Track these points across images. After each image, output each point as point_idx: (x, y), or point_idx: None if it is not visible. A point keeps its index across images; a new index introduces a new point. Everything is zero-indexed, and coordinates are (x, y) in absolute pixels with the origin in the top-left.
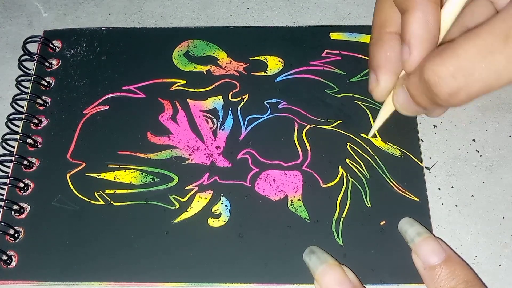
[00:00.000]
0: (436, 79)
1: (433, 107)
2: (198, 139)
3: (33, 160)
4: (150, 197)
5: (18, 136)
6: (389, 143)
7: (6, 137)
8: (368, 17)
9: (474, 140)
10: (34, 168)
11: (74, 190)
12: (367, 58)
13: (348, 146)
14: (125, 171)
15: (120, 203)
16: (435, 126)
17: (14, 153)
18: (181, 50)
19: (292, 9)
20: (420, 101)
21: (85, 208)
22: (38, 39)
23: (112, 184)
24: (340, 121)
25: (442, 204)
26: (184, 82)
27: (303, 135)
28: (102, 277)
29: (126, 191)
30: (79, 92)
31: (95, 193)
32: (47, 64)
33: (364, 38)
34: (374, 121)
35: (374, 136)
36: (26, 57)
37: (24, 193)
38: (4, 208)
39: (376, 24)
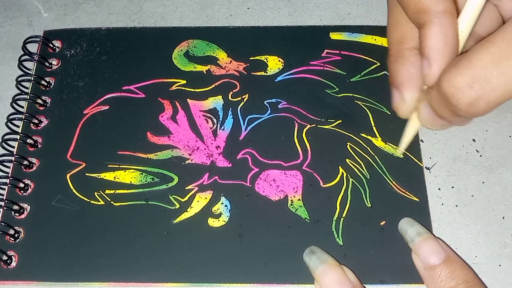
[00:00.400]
0: (453, 90)
1: (456, 119)
2: (198, 139)
3: (33, 160)
4: (150, 197)
5: (18, 136)
6: (389, 143)
7: (6, 137)
8: (368, 17)
9: (474, 140)
10: (34, 168)
11: (74, 190)
12: (366, 58)
13: (348, 146)
14: (125, 171)
15: (120, 203)
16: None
17: (14, 153)
18: (181, 50)
19: (292, 9)
20: (442, 114)
21: (85, 208)
22: (38, 39)
23: (112, 184)
24: (340, 121)
25: (442, 204)
26: (184, 82)
27: (303, 135)
28: (102, 277)
29: (126, 191)
30: (79, 92)
31: (95, 193)
32: (47, 64)
33: (364, 38)
34: (375, 124)
35: (374, 135)
36: (26, 57)
37: (24, 193)
38: (4, 208)
39: (393, 40)
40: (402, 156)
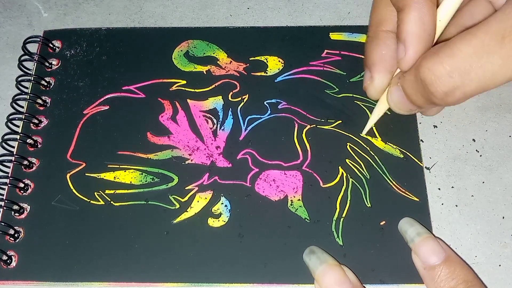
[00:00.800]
0: (433, 77)
1: (428, 106)
2: (198, 139)
3: (33, 160)
4: (150, 197)
5: (18, 136)
6: (389, 143)
7: (6, 137)
8: (368, 17)
9: (474, 140)
10: (34, 168)
11: (74, 190)
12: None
13: (348, 146)
14: (125, 171)
15: (120, 203)
16: (435, 126)
17: (14, 153)
18: (181, 50)
19: (292, 9)
20: (415, 99)
21: (85, 208)
22: (38, 39)
23: (112, 184)
24: (340, 121)
25: (442, 204)
26: (184, 82)
27: (303, 135)
28: (102, 277)
29: (126, 191)
30: (79, 92)
31: (95, 193)
32: (47, 64)
33: (364, 38)
34: (375, 124)
35: (374, 136)
36: (26, 57)
37: (24, 193)
38: (4, 208)
39: (373, 22)
40: (365, 136)
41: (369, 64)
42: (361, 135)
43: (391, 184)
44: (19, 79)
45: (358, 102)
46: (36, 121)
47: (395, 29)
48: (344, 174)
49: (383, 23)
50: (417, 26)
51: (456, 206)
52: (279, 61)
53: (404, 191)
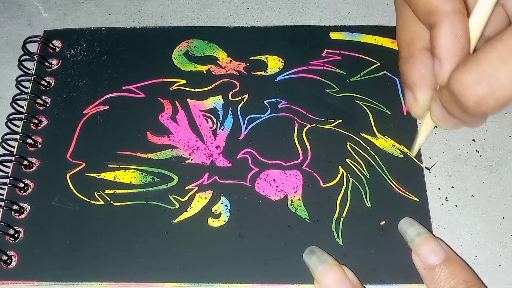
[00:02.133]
0: (461, 88)
1: (468, 117)
2: (198, 138)
3: (33, 160)
4: (150, 197)
5: (18, 136)
6: (389, 143)
7: (6, 137)
8: (368, 17)
9: (474, 140)
10: (34, 168)
11: (74, 190)
12: (366, 57)
13: (348, 146)
14: (125, 171)
15: (120, 203)
16: (435, 126)
17: (14, 153)
18: (181, 50)
19: (292, 9)
20: (453, 113)
21: (85, 208)
22: (38, 39)
23: (112, 184)
24: (340, 121)
25: (442, 204)
26: (184, 81)
27: (303, 134)
28: (102, 277)
29: (126, 191)
30: (79, 92)
31: (95, 193)
32: (47, 64)
33: (364, 38)
34: (375, 124)
35: (374, 135)
36: (26, 57)
37: (24, 193)
38: (4, 208)
39: (404, 42)
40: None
41: (410, 85)
42: (410, 155)
43: (391, 184)
44: (19, 79)
45: (358, 102)
46: (36, 121)
47: (428, 45)
48: (344, 174)
49: (415, 42)
50: (451, 40)
51: (456, 206)
52: (279, 60)
53: (404, 191)
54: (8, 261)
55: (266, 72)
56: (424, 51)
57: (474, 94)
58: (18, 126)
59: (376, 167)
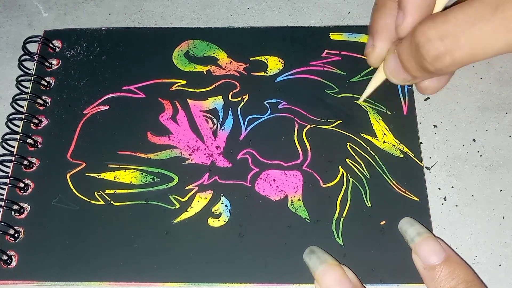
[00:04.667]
0: (424, 40)
1: (420, 74)
2: (198, 139)
3: (33, 160)
4: (150, 197)
5: (18, 136)
6: (389, 143)
7: (6, 137)
8: (368, 17)
9: (474, 140)
10: (34, 168)
11: (74, 190)
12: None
13: (348, 146)
14: (125, 171)
15: (120, 203)
16: (435, 126)
17: (14, 153)
18: (181, 50)
19: (292, 9)
20: (408, 66)
21: (85, 208)
22: (38, 39)
23: (112, 184)
24: (340, 121)
25: (442, 204)
26: (184, 82)
27: (303, 135)
28: (102, 277)
29: (126, 191)
30: (79, 92)
31: (95, 193)
32: (47, 64)
33: (364, 38)
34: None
35: (374, 135)
36: (26, 57)
37: (24, 193)
38: (4, 208)
39: None
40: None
41: (372, 32)
42: (357, 102)
43: (391, 184)
44: (19, 79)
45: (358, 102)
46: (36, 121)
47: None
48: (344, 174)
49: None
50: None
51: (456, 206)
52: (279, 61)
53: (404, 191)
54: (8, 261)
55: (266, 73)
56: (396, 4)
57: (435, 48)
58: (18, 126)
59: (376, 167)
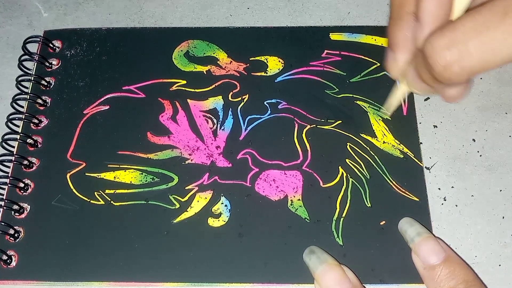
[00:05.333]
0: (431, 50)
1: (436, 84)
2: (198, 139)
3: (33, 160)
4: (150, 197)
5: (18, 136)
6: (388, 143)
7: (6, 137)
8: (368, 17)
9: (474, 140)
10: (34, 168)
11: (74, 190)
12: (366, 58)
13: (348, 146)
14: (125, 171)
15: (120, 203)
16: (435, 126)
17: (14, 153)
18: (181, 50)
19: (292, 9)
20: (423, 76)
21: (85, 208)
22: (38, 39)
23: (112, 184)
24: (340, 121)
25: (442, 204)
26: (184, 82)
27: (303, 135)
28: (102, 277)
29: (126, 191)
30: (79, 92)
31: (95, 193)
32: (47, 64)
33: (364, 39)
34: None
35: (374, 136)
36: (26, 57)
37: (24, 193)
38: (4, 208)
39: (395, 3)
40: (389, 118)
41: (392, 45)
42: (385, 117)
43: (391, 184)
44: (19, 79)
45: (358, 102)
46: (36, 121)
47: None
48: (344, 174)
49: (405, 4)
50: (434, 5)
51: (456, 206)
52: (279, 61)
53: (404, 191)
54: (8, 261)
55: (266, 73)
56: (412, 15)
57: (442, 58)
58: (18, 126)
59: (376, 167)
